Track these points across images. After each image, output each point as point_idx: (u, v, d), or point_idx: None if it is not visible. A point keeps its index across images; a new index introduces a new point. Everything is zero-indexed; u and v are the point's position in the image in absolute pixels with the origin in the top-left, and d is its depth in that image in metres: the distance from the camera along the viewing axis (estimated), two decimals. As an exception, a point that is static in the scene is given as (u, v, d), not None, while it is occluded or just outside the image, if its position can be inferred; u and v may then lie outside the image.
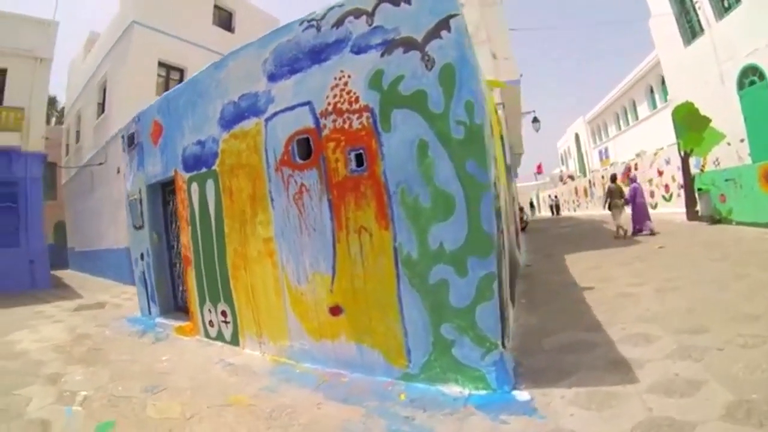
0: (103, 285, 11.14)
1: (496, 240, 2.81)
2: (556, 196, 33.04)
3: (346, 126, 3.31)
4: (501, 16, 11.67)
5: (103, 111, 12.67)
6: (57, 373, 4.23)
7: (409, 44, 3.01)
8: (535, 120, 17.09)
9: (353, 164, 3.28)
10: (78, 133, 15.25)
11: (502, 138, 7.42)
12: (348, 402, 2.91)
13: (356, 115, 3.25)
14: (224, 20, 15.74)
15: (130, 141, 6.62)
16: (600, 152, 29.43)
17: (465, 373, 2.84)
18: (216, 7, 15.35)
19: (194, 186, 5.08)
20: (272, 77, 3.93)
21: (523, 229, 15.07)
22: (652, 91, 20.57)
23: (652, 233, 9.65)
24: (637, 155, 18.16)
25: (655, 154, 15.68)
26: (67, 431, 2.95)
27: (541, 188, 42.36)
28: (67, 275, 14.12)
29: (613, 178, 11.27)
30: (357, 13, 3.28)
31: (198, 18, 13.95)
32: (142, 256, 6.66)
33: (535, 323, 4.19)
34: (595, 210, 21.36)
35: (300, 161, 3.70)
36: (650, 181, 16.00)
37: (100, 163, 11.98)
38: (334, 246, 3.46)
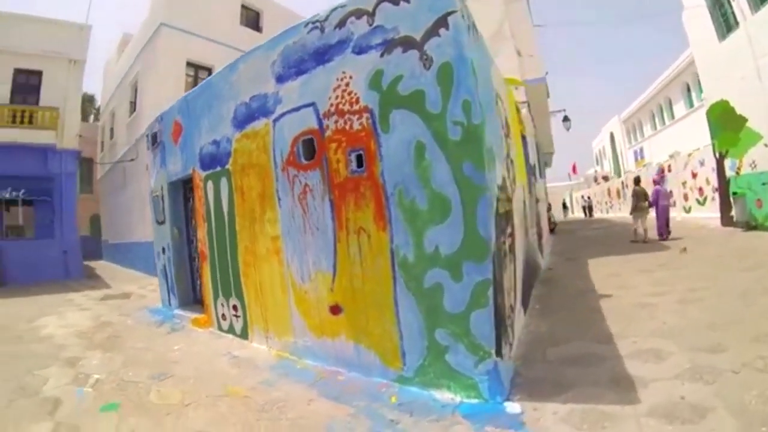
0: (131, 276, 11.68)
1: (492, 245, 2.74)
2: (588, 197, 32.11)
3: (347, 127, 3.33)
4: (526, 13, 11.40)
5: (134, 109, 13.23)
6: (76, 356, 4.52)
7: (408, 43, 2.98)
8: (566, 119, 16.61)
9: (353, 165, 3.30)
10: (112, 130, 15.99)
11: (524, 138, 7.27)
12: (339, 400, 2.95)
13: (356, 116, 3.26)
14: (252, 20, 16.08)
15: (154, 140, 6.90)
16: (635, 152, 28.28)
17: (458, 380, 2.80)
18: (243, 7, 15.71)
19: (210, 184, 5.25)
20: (280, 78, 4.01)
21: (552, 230, 14.79)
22: (688, 89, 19.57)
23: (664, 237, 9.75)
24: (671, 156, 17.36)
25: (689, 155, 14.94)
26: (76, 410, 3.15)
27: (575, 189, 41.32)
28: (99, 266, 14.87)
29: (637, 181, 11.07)
30: (358, 14, 3.28)
31: (226, 18, 14.31)
32: (163, 249, 6.94)
33: (544, 331, 4.08)
34: (627, 212, 20.59)
35: (304, 161, 3.76)
36: (684, 183, 15.26)
37: (131, 160, 12.52)
38: (335, 246, 3.50)
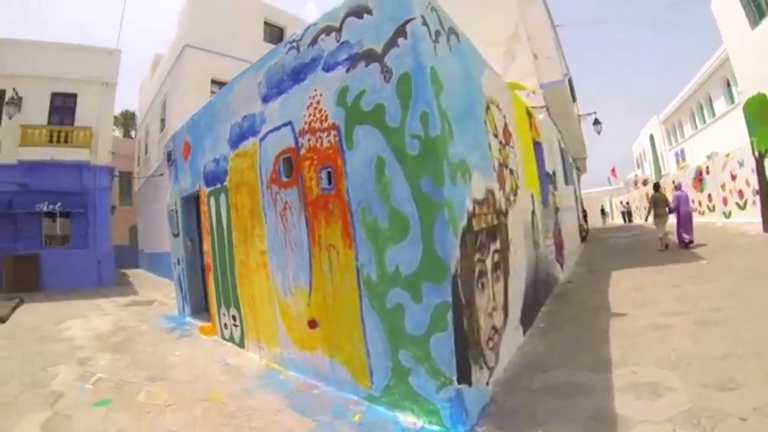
0: (160, 284, 12.33)
1: (453, 265, 2.61)
2: (627, 203, 30.68)
3: (318, 145, 3.40)
4: (543, 14, 11.13)
5: (164, 126, 14.03)
6: (87, 357, 4.90)
7: (370, 57, 2.96)
8: (596, 122, 15.95)
9: (324, 183, 3.36)
10: (146, 146, 16.99)
11: (539, 144, 7.07)
12: (305, 413, 3.00)
13: (326, 134, 3.31)
14: (275, 36, 16.60)
15: (168, 157, 7.31)
16: (676, 154, 26.76)
17: (420, 404, 2.73)
18: (266, 24, 16.30)
19: (212, 200, 5.49)
20: (265, 99, 4.16)
21: (583, 239, 14.22)
22: (728, 83, 18.35)
23: (687, 245, 9.33)
24: (708, 157, 16.32)
25: (727, 155, 14.01)
26: (73, 403, 3.50)
27: (615, 194, 39.71)
28: (134, 274, 15.79)
29: (656, 187, 10.66)
30: (328, 30, 3.32)
31: (248, 36, 14.89)
32: (178, 260, 7.30)
33: (540, 353, 3.83)
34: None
35: (285, 179, 3.87)
36: (723, 186, 14.31)
37: (161, 174, 13.24)
38: (310, 261, 3.57)
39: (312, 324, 3.62)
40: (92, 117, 11.97)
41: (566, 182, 11.54)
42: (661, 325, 4.07)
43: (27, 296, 9.50)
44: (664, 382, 2.82)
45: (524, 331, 4.23)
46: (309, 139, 3.50)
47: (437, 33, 3.07)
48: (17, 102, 10.66)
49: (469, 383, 2.67)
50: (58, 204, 11.04)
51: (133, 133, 27.36)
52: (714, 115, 20.18)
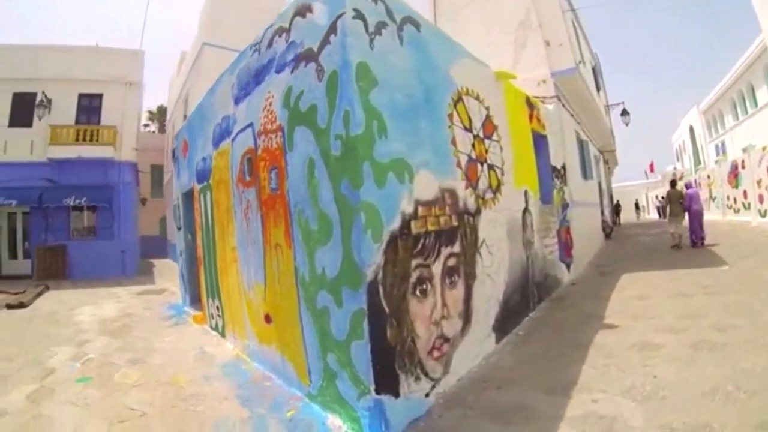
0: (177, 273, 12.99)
1: (369, 272, 2.52)
2: (663, 197, 29.28)
3: (269, 146, 3.49)
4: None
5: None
6: (87, 339, 5.35)
7: (309, 56, 2.94)
8: (624, 113, 15.22)
9: (273, 183, 3.46)
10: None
11: (543, 137, 6.86)
12: (246, 404, 3.15)
13: (275, 135, 3.39)
14: None
15: (173, 155, 7.70)
16: (717, 147, 25.11)
17: (346, 409, 2.72)
18: None
19: (201, 196, 5.78)
20: (236, 101, 4.31)
21: (607, 235, 13.74)
22: (773, 71, 17.00)
23: (698, 244, 9.23)
24: (744, 151, 15.29)
25: (764, 148, 13.08)
26: (60, 379, 3.92)
27: (651, 188, 37.97)
28: (161, 263, 16.67)
29: (673, 183, 10.43)
30: (280, 32, 3.36)
31: None
32: (181, 252, 7.71)
33: (504, 366, 3.57)
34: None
35: (248, 179, 4.03)
36: (759, 182, 13.35)
37: (181, 168, 13.90)
38: (264, 259, 3.70)
39: (267, 319, 3.78)
40: (117, 115, 12.77)
41: (585, 176, 11.02)
42: (650, 345, 3.62)
43: (53, 284, 10.34)
44: (623, 417, 2.45)
45: (499, 339, 4.05)
46: (264, 141, 3.61)
47: (379, 25, 2.95)
48: (47, 104, 11.62)
49: (395, 394, 2.62)
50: (85, 198, 11.92)
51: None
52: (756, 105, 18.74)
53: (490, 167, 4.37)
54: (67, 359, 4.52)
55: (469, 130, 4.03)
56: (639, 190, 38.29)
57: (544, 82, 8.53)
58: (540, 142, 6.65)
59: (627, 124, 16.36)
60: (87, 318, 6.67)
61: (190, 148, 6.46)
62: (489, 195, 4.20)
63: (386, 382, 2.58)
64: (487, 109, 4.56)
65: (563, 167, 7.83)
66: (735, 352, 3.24)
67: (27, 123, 12.08)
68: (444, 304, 3.19)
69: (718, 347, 3.38)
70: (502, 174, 4.65)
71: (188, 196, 7.21)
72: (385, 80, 2.91)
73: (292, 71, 3.17)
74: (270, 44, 3.57)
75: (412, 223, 2.95)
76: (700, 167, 22.01)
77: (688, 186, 10.23)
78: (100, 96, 12.71)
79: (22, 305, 7.39)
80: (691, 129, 29.75)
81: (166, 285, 10.42)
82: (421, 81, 3.34)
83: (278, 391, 3.41)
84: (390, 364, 2.63)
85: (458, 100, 3.93)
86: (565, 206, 7.52)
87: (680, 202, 9.66)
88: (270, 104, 3.50)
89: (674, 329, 3.96)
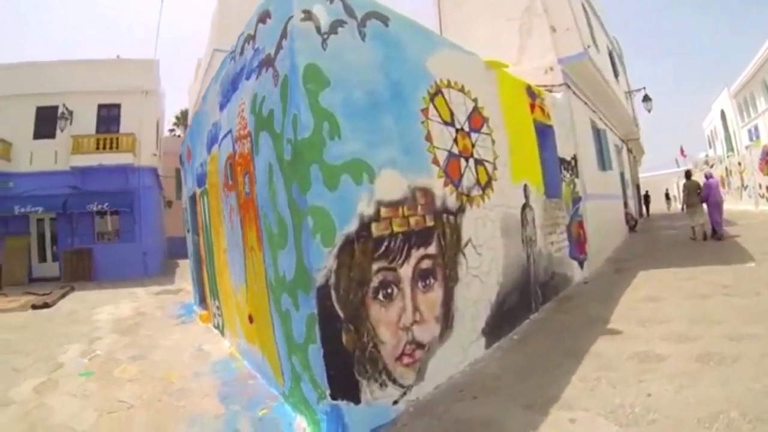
0: (196, 273, 13.50)
1: (317, 276, 2.52)
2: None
3: (243, 151, 3.57)
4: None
5: (201, 128, 15.14)
6: (98, 337, 5.72)
7: (268, 62, 2.98)
8: (646, 98, 14.53)
9: (246, 187, 3.55)
10: (192, 145, 18.41)
11: (549, 127, 6.68)
12: (225, 401, 3.29)
13: (246, 141, 3.47)
14: None
15: (180, 160, 8.01)
16: (750, 131, 23.68)
17: (309, 411, 2.74)
18: None
19: (201, 200, 6.00)
20: (220, 107, 4.44)
21: (632, 228, 13.29)
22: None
23: (718, 236, 8.97)
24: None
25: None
26: (66, 373, 4.28)
27: (682, 176, 35.80)
28: (185, 263, 17.32)
29: (688, 174, 10.23)
30: (248, 39, 3.43)
31: None
32: (190, 254, 8.03)
33: (488, 373, 3.41)
34: (730, 204, 16.91)
35: (230, 183, 4.16)
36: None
37: (198, 172, 14.39)
38: (245, 261, 3.82)
39: (250, 319, 3.90)
40: (135, 123, 13.43)
41: (603, 167, 10.49)
42: (651, 356, 3.28)
43: (80, 285, 11.04)
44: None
45: (490, 344, 3.88)
46: (239, 146, 3.71)
47: (335, 24, 2.92)
48: (68, 116, 12.36)
49: (356, 400, 2.59)
50: (107, 203, 12.61)
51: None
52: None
53: (478, 162, 4.18)
54: (77, 355, 4.89)
55: (450, 124, 3.87)
56: (670, 179, 36.56)
57: (551, 69, 8.12)
58: (545, 133, 6.31)
59: (649, 111, 15.68)
60: (105, 317, 7.09)
61: (192, 154, 6.70)
62: (476, 192, 4.03)
63: (344, 388, 2.55)
64: (475, 100, 4.37)
65: (574, 158, 7.37)
66: (746, 369, 2.80)
67: (50, 134, 12.90)
68: (416, 309, 3.08)
69: (728, 361, 2.96)
70: (494, 169, 4.46)
71: (192, 199, 7.50)
72: (341, 79, 2.87)
73: (256, 78, 3.24)
74: (242, 52, 3.66)
75: (373, 225, 2.84)
76: (731, 154, 20.77)
77: (708, 176, 9.83)
78: (118, 106, 13.41)
79: (46, 305, 7.92)
80: (723, 113, 28.15)
81: (183, 285, 10.85)
82: (388, 76, 3.24)
83: (258, 389, 3.53)
84: (348, 370, 2.59)
85: (436, 93, 3.75)
86: (576, 200, 7.09)
87: (697, 192, 9.40)
88: (242, 110, 3.59)
89: (682, 337, 3.57)
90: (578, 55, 8.26)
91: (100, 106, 13.37)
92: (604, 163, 10.46)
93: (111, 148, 12.74)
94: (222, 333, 5.42)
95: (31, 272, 12.71)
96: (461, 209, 3.75)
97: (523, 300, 4.68)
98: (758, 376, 2.65)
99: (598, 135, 10.59)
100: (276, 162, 2.88)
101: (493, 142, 4.56)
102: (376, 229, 2.89)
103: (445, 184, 3.61)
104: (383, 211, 2.97)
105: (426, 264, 3.23)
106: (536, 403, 2.74)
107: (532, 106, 6.02)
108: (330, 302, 2.56)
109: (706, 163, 31.22)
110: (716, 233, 9.17)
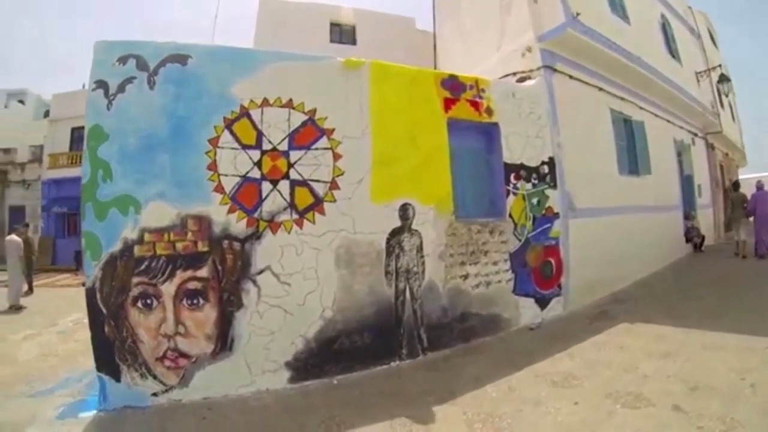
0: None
1: (88, 281, 3.44)
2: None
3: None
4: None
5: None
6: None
7: None
8: (722, 79, 11.51)
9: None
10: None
11: (492, 126, 5.38)
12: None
13: None
14: (347, 35, 16.63)
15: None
16: None
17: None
18: (332, 24, 16.92)
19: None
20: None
21: (697, 247, 10.14)
22: None
23: (762, 256, 8.10)
24: None
25: None
26: (54, 330, 6.25)
27: None
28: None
29: (736, 186, 9.28)
30: None
31: (313, 40, 14.95)
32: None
33: (256, 408, 3.44)
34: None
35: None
36: None
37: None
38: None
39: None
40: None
41: (637, 171, 7.92)
42: None
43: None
44: None
45: (299, 379, 3.79)
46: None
47: (125, 82, 3.63)
48: None
49: (117, 379, 3.43)
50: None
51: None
52: None
53: (297, 183, 3.94)
54: (70, 320, 6.61)
55: (253, 147, 3.85)
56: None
57: (529, 51, 6.49)
58: (479, 134, 5.42)
59: (726, 95, 12.84)
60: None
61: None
62: (284, 217, 3.87)
63: (106, 366, 3.41)
64: (311, 112, 4.07)
65: (549, 163, 5.89)
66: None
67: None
68: (180, 323, 3.52)
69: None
70: (331, 189, 4.08)
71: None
72: (119, 131, 3.60)
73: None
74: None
75: (136, 248, 3.48)
76: None
77: (759, 187, 8.24)
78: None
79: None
80: None
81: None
82: (173, 115, 3.69)
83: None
84: (110, 353, 3.41)
85: (238, 118, 3.81)
86: (547, 219, 5.73)
87: (743, 206, 8.81)
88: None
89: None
90: (561, 26, 6.15)
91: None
92: (635, 165, 7.99)
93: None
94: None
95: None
96: (254, 236, 3.76)
97: (382, 343, 4.20)
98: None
99: (628, 128, 8.04)
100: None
101: (337, 156, 4.13)
102: (138, 251, 3.51)
103: (231, 211, 3.72)
104: (147, 236, 3.51)
105: (193, 285, 3.57)
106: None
107: (451, 102, 5.03)
108: (96, 300, 3.41)
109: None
110: (758, 252, 8.35)
